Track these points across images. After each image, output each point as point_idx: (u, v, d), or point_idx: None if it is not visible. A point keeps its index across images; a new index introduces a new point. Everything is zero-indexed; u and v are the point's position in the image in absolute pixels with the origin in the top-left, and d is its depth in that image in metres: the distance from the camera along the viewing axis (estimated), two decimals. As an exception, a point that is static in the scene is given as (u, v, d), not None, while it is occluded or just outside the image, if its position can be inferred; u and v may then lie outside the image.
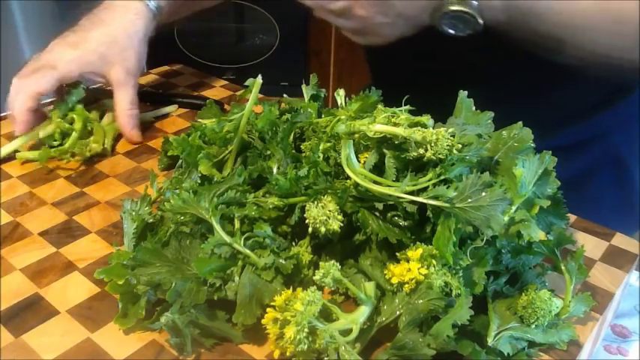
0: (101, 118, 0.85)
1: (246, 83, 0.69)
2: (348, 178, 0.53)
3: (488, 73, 0.83)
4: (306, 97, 0.73)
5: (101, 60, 0.80)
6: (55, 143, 0.77)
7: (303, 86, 0.74)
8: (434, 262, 0.49)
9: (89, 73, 0.81)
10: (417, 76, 0.65)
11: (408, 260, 0.49)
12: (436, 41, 0.69)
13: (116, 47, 0.81)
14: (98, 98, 0.90)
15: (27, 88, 0.76)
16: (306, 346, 0.45)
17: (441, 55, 0.81)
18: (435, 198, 0.49)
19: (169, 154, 0.72)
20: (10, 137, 0.80)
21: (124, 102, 0.81)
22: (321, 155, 0.58)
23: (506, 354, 0.50)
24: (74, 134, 0.77)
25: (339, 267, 0.48)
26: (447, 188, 0.48)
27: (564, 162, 0.88)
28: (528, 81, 0.85)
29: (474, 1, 0.65)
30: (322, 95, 0.74)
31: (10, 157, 0.76)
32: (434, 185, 0.50)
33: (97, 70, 0.81)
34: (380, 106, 0.57)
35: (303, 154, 0.62)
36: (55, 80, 0.78)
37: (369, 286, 0.50)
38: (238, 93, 0.96)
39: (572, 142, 0.89)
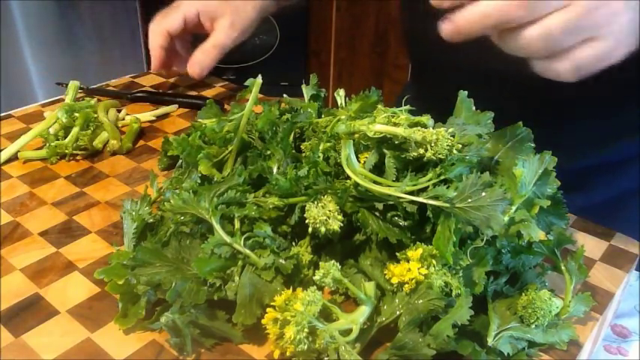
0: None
1: (246, 83, 0.69)
2: (348, 178, 0.53)
3: (557, 90, 0.78)
4: (306, 97, 0.73)
5: (218, 7, 0.88)
6: (59, 140, 0.78)
7: (303, 86, 0.74)
8: (434, 262, 0.49)
9: (204, 17, 0.89)
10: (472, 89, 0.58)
11: (408, 260, 0.49)
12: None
13: (233, 3, 0.89)
14: (99, 98, 0.90)
15: (157, 27, 0.88)
16: (306, 346, 0.45)
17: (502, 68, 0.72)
18: (435, 198, 0.49)
19: (169, 154, 0.72)
20: (10, 137, 0.81)
21: (212, 40, 0.88)
22: (321, 155, 0.58)
23: (506, 354, 0.50)
24: (75, 129, 0.78)
25: (339, 267, 0.48)
26: (447, 188, 0.48)
27: (622, 175, 0.86)
28: (592, 98, 0.78)
29: None
30: (322, 95, 0.74)
31: (11, 157, 0.76)
32: (434, 185, 0.50)
33: (211, 14, 0.89)
34: (380, 106, 0.57)
35: (303, 154, 0.62)
36: (180, 18, 0.88)
37: (369, 286, 0.50)
38: (238, 93, 0.96)
39: (627, 157, 0.86)
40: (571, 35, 0.46)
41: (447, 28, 0.49)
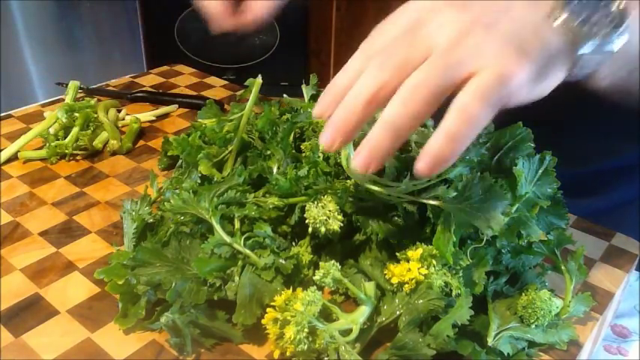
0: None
1: (246, 83, 0.70)
2: (348, 178, 0.53)
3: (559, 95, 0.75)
4: (306, 97, 0.73)
5: None
6: (59, 140, 0.78)
7: (303, 86, 0.74)
8: (434, 262, 0.49)
9: None
10: None
11: (408, 260, 0.49)
12: None
13: None
14: (99, 98, 0.90)
15: None
16: (306, 346, 0.45)
17: None
18: (435, 198, 0.49)
19: (169, 154, 0.72)
20: (10, 137, 0.81)
21: None
22: (321, 155, 0.58)
23: (506, 354, 0.50)
24: (75, 129, 0.78)
25: (339, 267, 0.48)
26: (447, 188, 0.48)
27: (623, 182, 0.86)
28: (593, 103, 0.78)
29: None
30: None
31: (11, 157, 0.76)
32: (434, 185, 0.50)
33: None
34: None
35: (303, 154, 0.62)
36: None
37: (369, 286, 0.50)
38: (238, 93, 0.96)
39: (628, 164, 0.84)
40: (448, 75, 0.41)
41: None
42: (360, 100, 0.42)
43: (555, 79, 0.45)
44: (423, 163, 0.41)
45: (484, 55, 0.41)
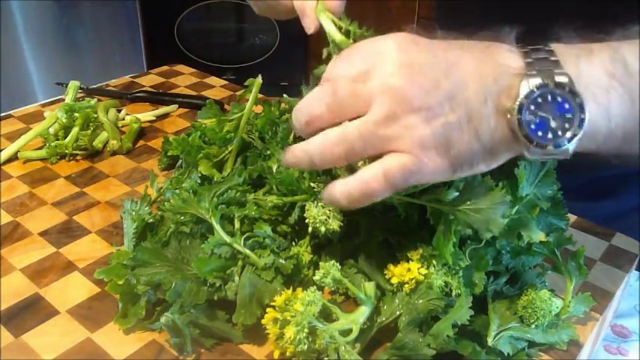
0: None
1: (246, 83, 0.69)
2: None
3: None
4: (306, 97, 0.73)
5: None
6: (59, 140, 0.78)
7: (303, 86, 0.74)
8: (434, 262, 0.49)
9: None
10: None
11: (408, 260, 0.49)
12: None
13: None
14: (99, 98, 0.90)
15: None
16: (306, 346, 0.45)
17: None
18: (435, 200, 0.49)
19: (169, 154, 0.72)
20: (10, 137, 0.81)
21: None
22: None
23: (506, 354, 0.50)
24: (75, 129, 0.78)
25: (339, 267, 0.48)
26: (447, 190, 0.48)
27: (624, 190, 0.86)
28: None
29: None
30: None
31: (11, 157, 0.76)
32: (434, 187, 0.50)
33: None
34: None
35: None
36: None
37: (369, 286, 0.50)
38: (238, 93, 0.96)
39: (628, 172, 0.83)
40: (369, 144, 0.42)
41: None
42: (302, 121, 0.45)
43: (499, 161, 0.44)
44: (326, 194, 0.45)
45: (409, 142, 0.41)
